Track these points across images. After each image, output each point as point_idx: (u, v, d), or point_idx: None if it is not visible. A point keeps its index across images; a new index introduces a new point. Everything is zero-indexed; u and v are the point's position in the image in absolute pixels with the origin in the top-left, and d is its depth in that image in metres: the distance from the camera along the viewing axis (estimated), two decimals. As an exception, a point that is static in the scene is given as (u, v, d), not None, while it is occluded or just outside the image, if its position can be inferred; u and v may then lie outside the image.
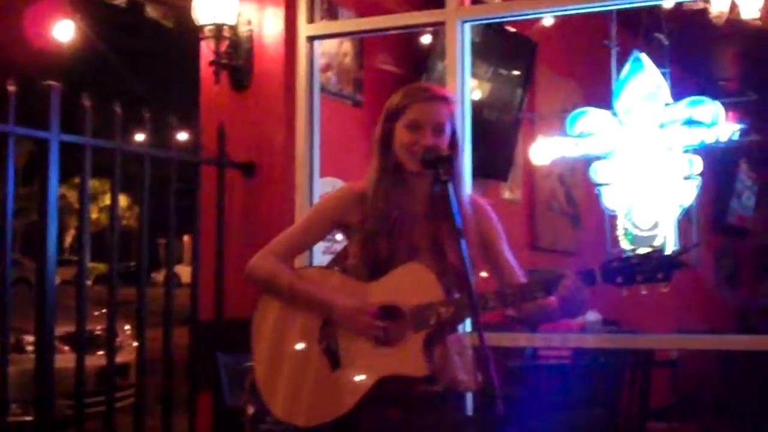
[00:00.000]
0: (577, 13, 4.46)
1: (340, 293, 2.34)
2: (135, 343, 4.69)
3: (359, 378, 2.29)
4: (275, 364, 2.39)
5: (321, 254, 4.32)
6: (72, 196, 22.34)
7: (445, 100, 2.38)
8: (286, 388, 2.36)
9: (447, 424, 2.35)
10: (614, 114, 4.62)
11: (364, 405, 2.29)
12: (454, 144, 2.38)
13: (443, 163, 2.27)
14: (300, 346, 2.37)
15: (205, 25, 4.61)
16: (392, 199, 2.36)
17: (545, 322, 2.82)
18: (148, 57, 21.61)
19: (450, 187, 2.23)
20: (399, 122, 2.36)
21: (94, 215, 27.17)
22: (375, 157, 2.42)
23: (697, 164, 4.37)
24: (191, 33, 4.73)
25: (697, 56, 6.72)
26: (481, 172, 4.85)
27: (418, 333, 2.27)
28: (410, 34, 5.35)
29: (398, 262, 2.33)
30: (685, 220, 4.69)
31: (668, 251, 2.20)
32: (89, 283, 6.01)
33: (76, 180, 5.07)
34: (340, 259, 2.52)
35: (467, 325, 2.58)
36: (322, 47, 4.82)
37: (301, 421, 2.33)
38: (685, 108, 4.40)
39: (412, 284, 2.30)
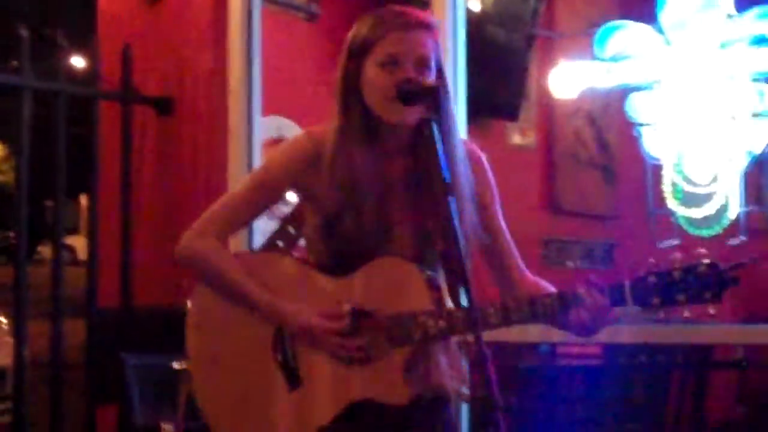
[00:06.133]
0: None
1: (294, 295, 2.40)
2: (12, 341, 4.62)
3: (324, 402, 2.37)
4: (220, 373, 2.46)
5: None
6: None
7: (428, 26, 2.40)
8: (234, 407, 2.43)
9: None
10: (659, 30, 4.66)
11: None
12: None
13: (426, 97, 2.30)
14: (251, 354, 2.44)
15: None
16: (360, 165, 2.39)
17: None
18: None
19: (435, 128, 2.26)
20: (369, 59, 2.38)
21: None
22: (336, 107, 2.43)
23: (771, 97, 4.40)
24: None
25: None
26: (482, 109, 4.84)
27: (397, 349, 2.34)
28: None
29: (370, 251, 2.38)
30: (754, 172, 4.62)
31: (721, 263, 2.20)
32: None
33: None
34: (290, 226, 2.58)
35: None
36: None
37: None
38: (754, 21, 4.40)
39: (391, 285, 2.36)
